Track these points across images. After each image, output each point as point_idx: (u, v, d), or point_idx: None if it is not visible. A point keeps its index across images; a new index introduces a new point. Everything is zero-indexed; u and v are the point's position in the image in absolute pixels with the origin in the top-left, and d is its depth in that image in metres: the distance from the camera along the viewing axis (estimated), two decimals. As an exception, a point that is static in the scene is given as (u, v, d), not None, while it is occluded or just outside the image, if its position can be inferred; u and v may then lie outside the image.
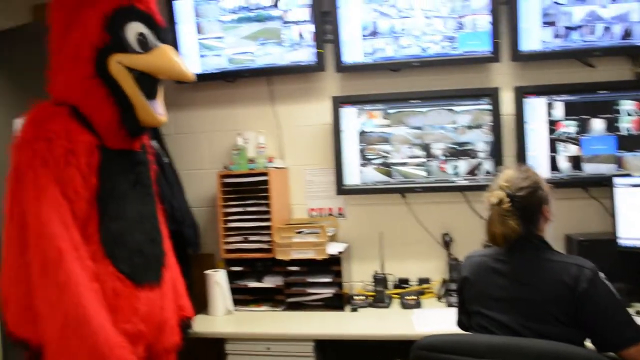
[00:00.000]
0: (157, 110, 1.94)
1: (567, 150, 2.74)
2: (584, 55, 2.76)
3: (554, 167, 2.75)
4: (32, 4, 3.30)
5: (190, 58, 3.05)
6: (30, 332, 1.67)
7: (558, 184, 2.66)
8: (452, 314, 2.07)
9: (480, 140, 2.81)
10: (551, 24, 2.73)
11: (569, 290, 1.64)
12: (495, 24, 2.75)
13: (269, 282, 2.84)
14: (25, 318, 1.68)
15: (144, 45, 1.87)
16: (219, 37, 3.03)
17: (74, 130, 1.77)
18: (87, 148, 1.78)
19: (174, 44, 3.00)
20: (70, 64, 1.82)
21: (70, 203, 1.72)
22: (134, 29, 1.85)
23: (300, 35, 2.95)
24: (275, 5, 2.95)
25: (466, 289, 1.89)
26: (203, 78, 3.05)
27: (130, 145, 1.99)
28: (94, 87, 1.80)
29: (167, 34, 2.01)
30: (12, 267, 1.70)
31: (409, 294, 2.74)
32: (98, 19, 1.79)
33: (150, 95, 1.91)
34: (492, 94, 2.79)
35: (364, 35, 2.89)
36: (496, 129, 2.78)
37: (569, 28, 2.72)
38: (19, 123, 2.89)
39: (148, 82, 1.89)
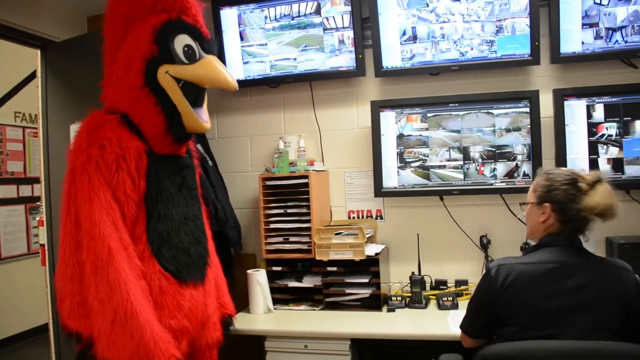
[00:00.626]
0: (202, 117, 2.03)
1: (608, 153, 2.71)
2: (627, 56, 2.74)
3: (595, 169, 2.71)
4: (86, 15, 3.48)
5: (234, 65, 3.16)
6: (82, 326, 1.77)
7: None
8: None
9: (518, 143, 2.80)
10: (592, 25, 2.71)
11: (623, 295, 1.64)
12: (534, 26, 2.75)
13: (308, 282, 2.90)
14: (79, 312, 1.79)
15: (191, 56, 1.96)
16: (262, 44, 3.13)
17: (124, 137, 1.87)
18: (136, 153, 1.88)
19: (220, 51, 3.13)
20: (121, 75, 1.92)
21: (120, 205, 1.82)
22: (181, 41, 1.94)
23: (341, 41, 3.02)
24: (317, 13, 3.03)
25: (504, 301, 1.71)
26: (246, 84, 3.17)
27: (177, 151, 2.08)
28: (144, 96, 1.90)
29: (213, 45, 2.09)
30: (67, 264, 1.82)
31: (446, 295, 2.75)
32: (148, 33, 1.89)
33: (196, 103, 2.00)
34: (531, 97, 2.79)
35: (403, 40, 2.93)
36: (535, 131, 2.77)
37: (610, 29, 2.70)
38: (74, 129, 3.09)
39: (194, 91, 1.98)
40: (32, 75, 4.54)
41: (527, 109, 2.79)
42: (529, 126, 2.79)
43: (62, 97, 3.21)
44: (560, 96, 2.76)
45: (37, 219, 3.39)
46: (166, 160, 2.02)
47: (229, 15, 3.14)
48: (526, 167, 2.79)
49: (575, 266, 1.70)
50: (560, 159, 2.75)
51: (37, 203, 3.49)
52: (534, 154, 2.78)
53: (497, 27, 2.81)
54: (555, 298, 1.64)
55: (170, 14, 1.94)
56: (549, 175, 1.84)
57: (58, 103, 3.22)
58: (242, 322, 2.64)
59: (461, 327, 1.92)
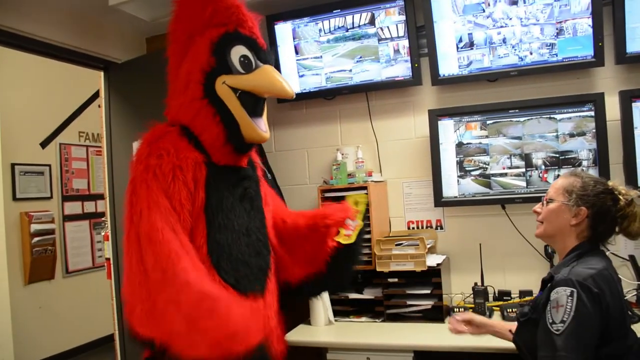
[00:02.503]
0: (261, 127, 2.04)
1: (681, 156, 2.59)
2: (699, 54, 2.62)
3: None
4: (145, 37, 3.59)
5: (289, 78, 3.19)
6: (155, 332, 1.80)
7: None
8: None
9: (583, 148, 2.72)
10: (661, 22, 2.61)
11: None
12: (597, 26, 2.66)
13: (369, 293, 2.89)
14: (150, 319, 1.82)
15: (247, 66, 1.99)
16: (317, 57, 3.15)
17: (182, 148, 1.91)
18: (193, 164, 1.91)
19: (276, 65, 3.15)
20: (182, 89, 1.96)
21: (176, 214, 1.87)
22: (237, 52, 1.97)
23: (396, 51, 3.01)
24: (371, 23, 3.03)
25: (610, 315, 1.64)
26: (302, 97, 3.20)
27: (237, 161, 2.11)
28: (203, 108, 1.93)
29: (269, 55, 2.12)
30: (133, 272, 1.84)
31: (511, 306, 2.68)
32: (206, 46, 1.93)
33: (255, 112, 2.02)
34: (595, 100, 2.69)
35: (459, 47, 2.90)
36: (601, 135, 2.68)
37: (680, 26, 2.59)
38: (137, 147, 3.18)
39: (251, 101, 2.00)
40: (94, 96, 4.73)
41: (592, 113, 2.70)
42: (594, 130, 2.70)
43: (124, 116, 3.31)
44: (628, 98, 2.65)
45: (102, 233, 3.50)
46: (227, 171, 2.04)
47: (283, 30, 3.17)
48: (592, 173, 2.68)
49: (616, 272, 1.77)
50: (629, 163, 2.64)
51: (102, 219, 3.59)
52: (600, 159, 2.68)
53: (557, 29, 2.73)
54: (622, 300, 1.70)
55: (227, 26, 1.97)
56: (586, 179, 1.83)
57: (120, 122, 3.32)
58: (303, 334, 2.65)
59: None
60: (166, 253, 1.74)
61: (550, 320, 1.65)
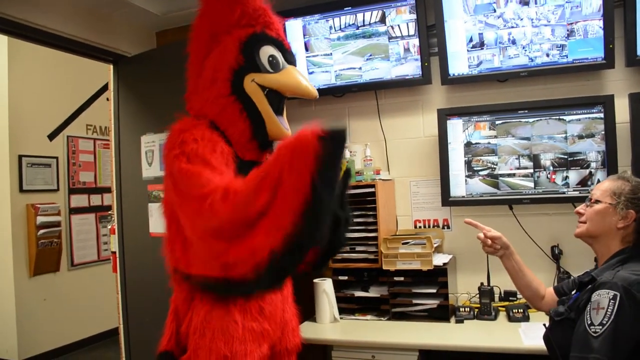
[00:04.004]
0: (284, 124, 2.08)
1: (691, 159, 2.59)
2: None
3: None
4: (155, 31, 3.60)
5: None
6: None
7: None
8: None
9: (592, 150, 2.71)
10: (672, 25, 2.60)
11: None
12: (608, 28, 2.66)
13: (375, 291, 2.89)
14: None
15: (275, 66, 2.02)
16: (327, 54, 3.15)
17: (215, 138, 1.94)
18: (227, 153, 1.94)
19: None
20: (208, 85, 1.98)
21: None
22: (265, 52, 2.00)
23: (406, 49, 3.01)
24: (382, 22, 3.03)
25: None
26: (311, 94, 3.19)
27: (260, 158, 2.13)
28: (230, 104, 1.95)
29: (293, 57, 2.16)
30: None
31: (516, 307, 2.68)
32: (235, 44, 1.95)
33: (278, 111, 2.05)
34: (605, 102, 2.69)
35: (469, 47, 2.89)
36: (610, 137, 2.67)
37: (691, 30, 2.58)
38: (145, 141, 3.19)
39: (276, 99, 2.02)
40: (102, 89, 4.74)
41: (601, 115, 2.70)
42: (603, 132, 2.69)
43: (132, 110, 3.32)
44: (638, 100, 2.64)
45: (109, 227, 3.52)
46: (250, 166, 2.06)
47: (294, 27, 3.18)
48: (600, 175, 2.69)
49: None
50: (638, 166, 2.63)
51: (109, 212, 3.61)
52: (609, 161, 2.68)
53: (568, 30, 2.73)
54: None
55: (255, 28, 2.01)
56: (635, 183, 1.81)
57: (129, 115, 3.33)
58: (309, 331, 2.65)
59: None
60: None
61: (589, 322, 1.62)
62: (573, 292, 1.91)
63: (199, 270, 1.78)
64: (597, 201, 1.85)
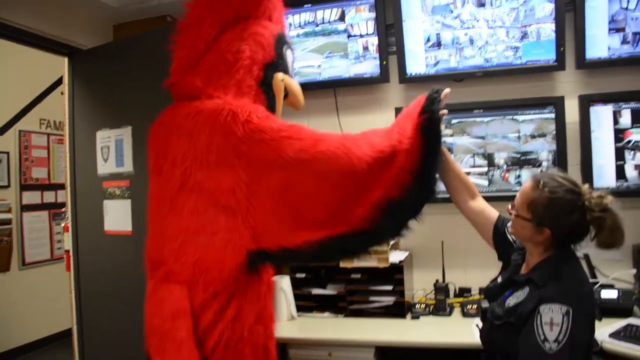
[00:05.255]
0: None
1: (635, 159, 2.68)
2: (654, 62, 2.71)
3: (621, 175, 2.69)
4: (112, 24, 3.53)
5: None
6: None
7: (625, 192, 2.62)
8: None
9: (544, 149, 2.79)
10: (619, 30, 2.69)
11: None
12: (559, 32, 2.74)
13: (332, 289, 2.90)
14: None
15: (292, 71, 2.06)
16: (286, 51, 3.14)
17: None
18: None
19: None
20: (226, 68, 1.87)
21: None
22: (290, 54, 2.05)
23: (365, 48, 3.03)
24: (341, 19, 3.04)
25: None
26: (270, 91, 3.19)
27: None
28: (259, 96, 1.91)
29: None
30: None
31: (470, 302, 2.73)
32: (270, 38, 1.93)
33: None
34: (556, 103, 2.77)
35: (427, 47, 2.93)
36: (560, 137, 2.76)
37: (637, 34, 2.68)
38: (101, 136, 3.12)
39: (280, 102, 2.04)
40: (56, 83, 4.61)
41: (553, 115, 2.78)
42: (554, 132, 2.77)
43: (88, 104, 3.25)
44: (586, 102, 2.74)
45: (62, 225, 3.43)
46: None
47: (253, 23, 3.16)
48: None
49: None
50: (586, 165, 2.73)
51: (63, 209, 3.52)
52: (560, 161, 2.76)
53: (522, 32, 2.80)
54: None
55: (281, 27, 2.04)
56: (552, 195, 1.65)
57: (84, 110, 3.26)
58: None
59: None
60: None
61: (543, 337, 1.56)
62: (506, 292, 1.81)
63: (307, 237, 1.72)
64: (516, 215, 1.75)
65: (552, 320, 1.56)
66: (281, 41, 1.98)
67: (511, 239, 1.94)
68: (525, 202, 1.71)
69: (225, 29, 1.91)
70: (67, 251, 3.32)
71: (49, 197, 5.61)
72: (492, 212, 2.05)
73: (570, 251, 1.74)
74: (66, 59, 3.32)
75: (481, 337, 1.89)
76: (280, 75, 1.96)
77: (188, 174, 1.74)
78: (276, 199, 1.72)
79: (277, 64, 1.95)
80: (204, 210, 1.72)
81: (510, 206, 1.81)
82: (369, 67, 3.04)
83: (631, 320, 2.37)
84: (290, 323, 2.81)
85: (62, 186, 3.92)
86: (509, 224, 1.84)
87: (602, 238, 1.64)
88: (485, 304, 1.88)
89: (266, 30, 1.94)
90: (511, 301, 1.73)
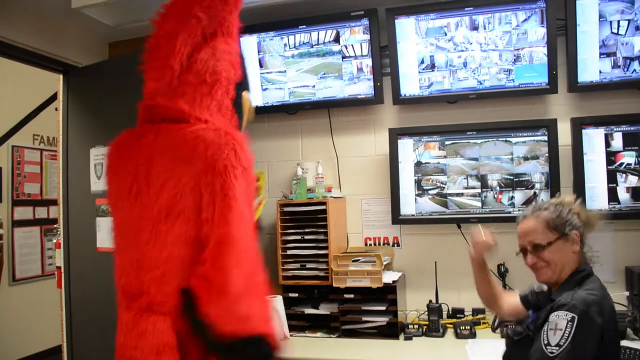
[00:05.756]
0: None
1: (627, 181, 2.70)
2: (645, 86, 2.75)
3: (613, 198, 2.71)
4: (108, 42, 3.55)
5: (253, 91, 3.19)
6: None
7: (617, 215, 2.64)
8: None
9: (536, 172, 2.81)
10: (610, 54, 2.73)
11: None
12: (551, 55, 2.77)
13: (325, 309, 2.89)
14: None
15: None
16: (281, 71, 3.17)
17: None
18: None
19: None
20: (207, 91, 1.79)
21: None
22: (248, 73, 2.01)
23: (359, 69, 3.06)
24: (336, 41, 3.07)
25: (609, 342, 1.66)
26: (264, 110, 3.22)
27: None
28: (234, 117, 1.86)
29: None
30: None
31: (464, 324, 2.73)
32: (238, 57, 1.87)
33: None
34: (549, 125, 2.80)
35: (421, 69, 2.96)
36: (553, 160, 2.78)
37: (628, 58, 2.71)
38: (94, 153, 3.12)
39: None
40: (51, 99, 4.62)
41: (545, 138, 2.80)
42: (547, 154, 2.79)
43: (82, 121, 3.25)
44: (578, 125, 2.76)
45: (54, 241, 3.41)
46: None
47: (248, 43, 3.18)
48: (544, 196, 2.78)
49: None
50: (579, 187, 2.74)
51: (55, 225, 3.50)
52: (552, 183, 2.78)
53: (514, 56, 2.83)
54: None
55: (239, 44, 1.95)
56: (550, 209, 1.83)
57: (78, 126, 3.26)
58: (259, 349, 2.62)
59: None
60: None
61: (546, 342, 1.61)
62: (530, 312, 1.94)
63: None
64: (548, 243, 1.79)
65: (556, 326, 1.61)
66: (243, 58, 1.93)
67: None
68: (544, 227, 1.80)
69: (197, 48, 1.82)
70: (59, 268, 3.30)
71: (41, 212, 5.58)
72: (515, 297, 2.15)
73: (588, 265, 1.82)
74: (61, 76, 3.33)
75: (503, 357, 1.93)
76: (246, 94, 1.92)
77: (176, 201, 1.64)
78: None
79: (245, 82, 1.91)
80: (187, 239, 1.63)
81: (532, 257, 1.84)
82: (363, 88, 3.06)
83: (624, 343, 2.36)
84: (282, 343, 2.79)
85: (54, 202, 3.91)
86: (542, 278, 1.86)
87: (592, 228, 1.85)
88: (509, 329, 1.94)
89: (232, 48, 1.87)
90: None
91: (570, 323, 1.59)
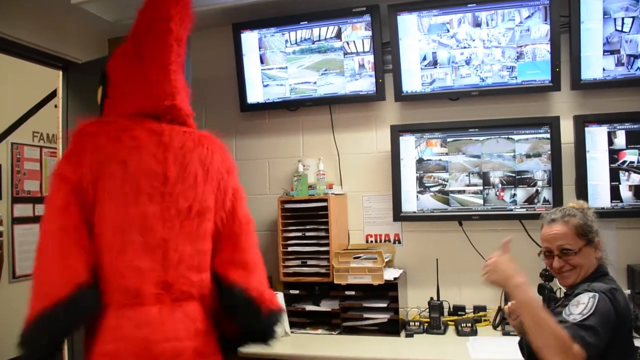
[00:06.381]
0: None
1: (630, 180, 2.69)
2: (649, 83, 2.73)
3: (616, 196, 2.70)
4: (107, 38, 3.52)
5: (254, 87, 3.19)
6: None
7: (619, 213, 2.63)
8: (508, 342, 2.04)
9: (539, 169, 2.79)
10: (613, 52, 2.72)
11: None
12: (554, 52, 2.76)
13: (326, 305, 2.89)
14: None
15: None
16: (282, 68, 3.15)
17: None
18: None
19: (240, 74, 3.19)
20: (188, 95, 1.96)
21: None
22: None
23: (361, 66, 3.04)
24: (338, 37, 3.05)
25: (623, 325, 1.69)
26: (265, 107, 3.21)
27: None
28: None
29: None
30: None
31: (465, 321, 2.72)
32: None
33: None
34: (551, 123, 2.78)
35: (423, 65, 2.95)
36: (555, 157, 2.76)
37: (632, 56, 2.70)
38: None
39: None
40: (50, 96, 4.60)
41: (548, 135, 2.79)
42: (549, 152, 2.78)
43: (82, 118, 3.22)
44: (581, 122, 2.75)
45: (54, 238, 3.39)
46: None
47: (249, 39, 3.17)
48: (546, 193, 2.77)
49: None
50: (581, 185, 2.73)
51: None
52: (555, 180, 2.77)
53: (517, 53, 2.82)
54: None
55: None
56: (580, 211, 1.86)
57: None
58: (259, 345, 2.61)
59: (587, 345, 1.56)
60: None
61: (568, 313, 1.63)
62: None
63: None
64: (579, 249, 1.80)
65: (579, 302, 1.65)
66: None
67: None
68: (574, 234, 1.81)
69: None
70: (59, 265, 3.27)
71: (41, 210, 5.49)
72: None
73: (604, 267, 1.84)
74: (61, 72, 3.31)
75: (519, 345, 1.93)
76: None
77: (205, 198, 1.81)
78: None
79: None
80: (211, 231, 1.84)
81: (559, 261, 1.83)
82: (365, 84, 3.05)
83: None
84: (283, 339, 2.77)
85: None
86: (567, 282, 1.85)
87: None
88: None
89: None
90: None
91: (592, 299, 1.63)
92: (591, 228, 1.82)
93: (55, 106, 3.45)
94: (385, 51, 3.02)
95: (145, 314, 1.66)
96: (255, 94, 3.20)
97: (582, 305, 1.63)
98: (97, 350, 1.65)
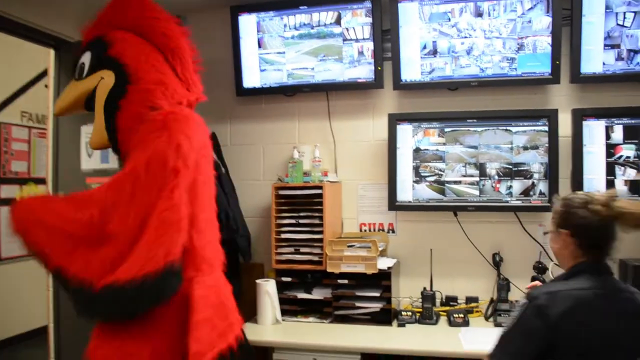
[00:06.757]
0: None
1: (626, 174, 2.70)
2: (649, 79, 2.73)
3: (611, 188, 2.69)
4: (103, 16, 3.46)
5: (250, 72, 3.15)
6: None
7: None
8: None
9: (535, 162, 2.79)
10: (614, 46, 2.71)
11: None
12: (555, 45, 2.75)
13: (318, 294, 2.87)
14: None
15: None
16: (280, 52, 3.11)
17: None
18: None
19: (237, 57, 3.15)
20: None
21: None
22: None
23: (360, 53, 3.01)
24: (337, 23, 3.02)
25: (564, 331, 1.57)
26: (262, 92, 3.17)
27: None
28: None
29: None
30: None
31: (457, 312, 2.72)
32: None
33: None
34: (550, 116, 2.77)
35: (423, 54, 2.92)
36: (553, 150, 2.76)
37: (632, 51, 2.69)
38: (85, 131, 3.05)
39: None
40: (40, 75, 4.52)
41: (546, 128, 2.78)
42: (546, 145, 2.77)
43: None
44: (579, 116, 2.75)
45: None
46: None
47: (247, 22, 3.13)
48: (542, 186, 2.77)
49: (614, 292, 1.67)
50: (577, 179, 2.73)
51: (43, 204, 3.43)
52: (551, 173, 2.76)
53: (518, 44, 2.80)
54: (606, 323, 1.59)
55: None
56: (565, 200, 1.76)
57: (70, 104, 3.18)
58: (250, 333, 2.57)
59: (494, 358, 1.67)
60: None
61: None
62: None
63: None
64: (547, 232, 1.85)
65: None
66: None
67: None
68: (552, 217, 1.81)
69: None
70: (46, 247, 3.23)
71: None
72: None
73: (595, 263, 1.71)
74: (52, 51, 3.24)
75: None
76: None
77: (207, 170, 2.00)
78: None
79: None
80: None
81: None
82: (364, 72, 3.02)
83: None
84: (274, 327, 2.78)
85: (42, 180, 3.83)
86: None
87: (623, 228, 1.68)
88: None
89: None
90: None
91: (521, 308, 1.65)
92: (564, 217, 1.73)
93: (46, 86, 3.39)
94: (385, 39, 2.99)
95: (207, 282, 1.88)
96: (251, 79, 3.16)
97: (511, 317, 1.69)
98: (194, 319, 1.77)
